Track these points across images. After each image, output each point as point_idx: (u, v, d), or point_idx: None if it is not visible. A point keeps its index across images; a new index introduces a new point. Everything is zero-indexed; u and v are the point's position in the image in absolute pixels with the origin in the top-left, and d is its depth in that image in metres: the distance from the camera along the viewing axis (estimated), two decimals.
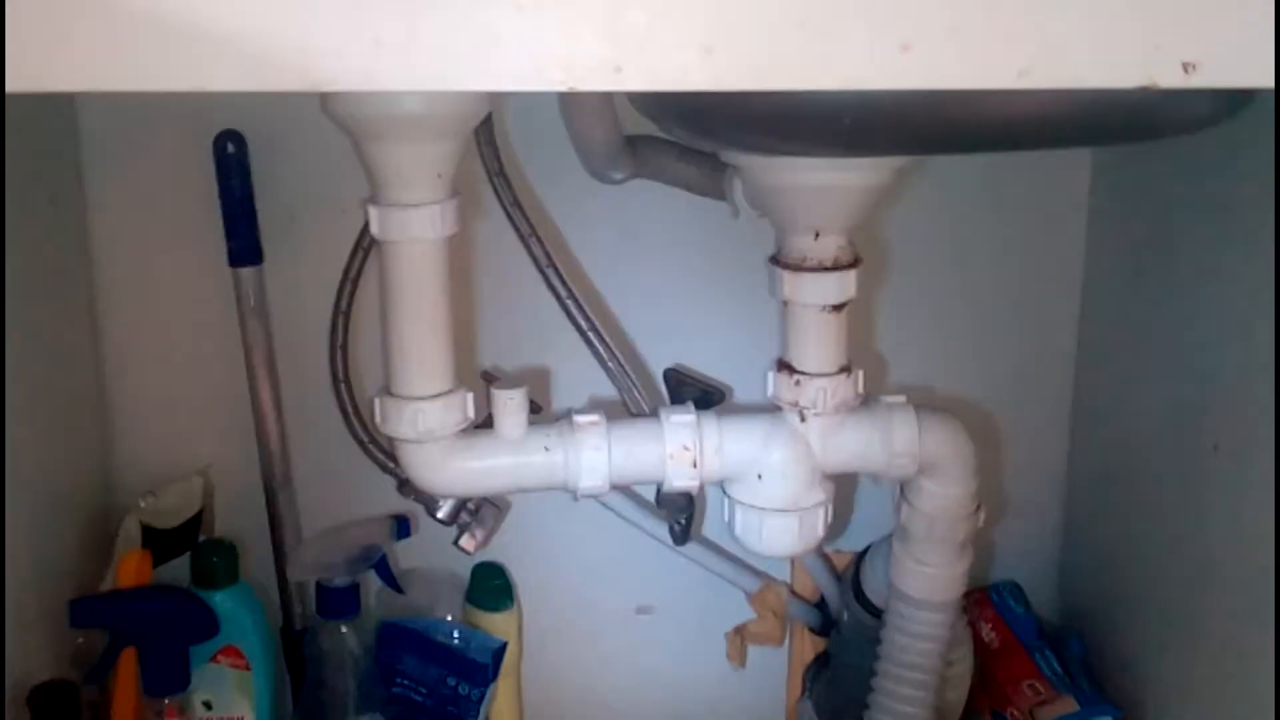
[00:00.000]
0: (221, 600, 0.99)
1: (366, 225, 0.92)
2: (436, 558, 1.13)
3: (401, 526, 1.07)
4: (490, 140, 0.92)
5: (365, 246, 0.96)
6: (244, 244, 1.05)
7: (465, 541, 1.01)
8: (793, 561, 1.21)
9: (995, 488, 1.13)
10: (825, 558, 1.17)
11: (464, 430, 0.85)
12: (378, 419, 0.85)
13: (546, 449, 0.86)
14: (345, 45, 0.51)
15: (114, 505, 1.09)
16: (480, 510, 1.02)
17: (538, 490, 0.87)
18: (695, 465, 0.86)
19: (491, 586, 1.13)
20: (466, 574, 1.14)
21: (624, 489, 1.08)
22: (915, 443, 0.89)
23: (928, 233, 1.11)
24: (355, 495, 1.08)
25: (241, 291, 1.06)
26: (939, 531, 0.93)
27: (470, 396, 0.85)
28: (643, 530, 1.09)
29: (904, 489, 0.95)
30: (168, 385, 1.09)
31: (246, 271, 1.06)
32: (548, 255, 0.93)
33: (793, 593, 1.20)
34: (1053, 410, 1.18)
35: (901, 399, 0.90)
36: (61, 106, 1.01)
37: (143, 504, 1.06)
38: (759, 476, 0.88)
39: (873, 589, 1.06)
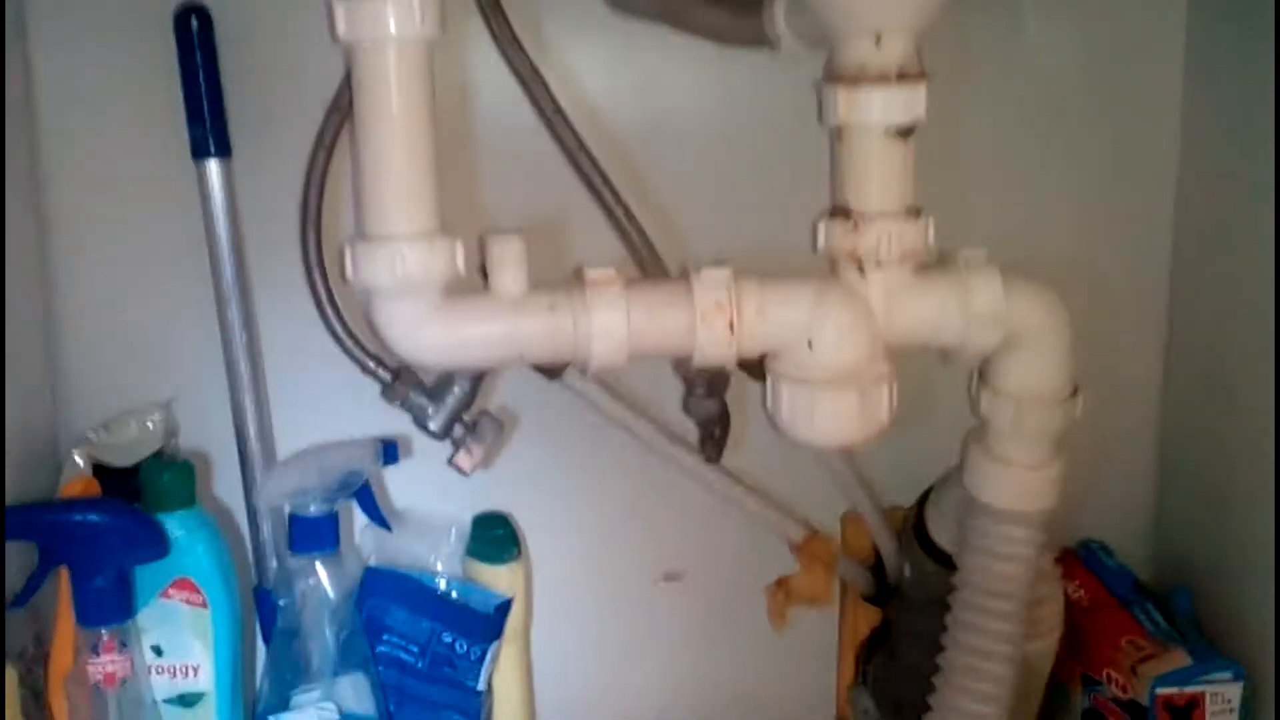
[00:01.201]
0: (174, 525, 0.84)
1: (346, 79, 0.80)
2: (435, 502, 0.98)
3: (389, 451, 0.92)
4: None
5: (343, 106, 0.82)
6: (209, 133, 0.92)
7: (461, 459, 0.86)
8: (844, 518, 1.05)
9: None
10: (880, 510, 1.02)
11: (452, 285, 0.71)
12: (348, 270, 0.70)
13: (551, 308, 0.71)
14: None
15: (62, 437, 0.94)
16: (478, 423, 0.87)
17: (541, 361, 0.72)
18: (731, 329, 0.71)
19: (494, 536, 0.98)
20: (468, 523, 0.99)
21: (649, 418, 0.93)
22: (1000, 303, 0.74)
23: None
24: (338, 415, 0.94)
25: (206, 187, 0.92)
26: (1029, 422, 0.78)
27: (460, 246, 0.71)
28: (669, 460, 0.93)
29: (983, 372, 0.79)
30: (123, 295, 0.96)
31: (213, 164, 0.92)
32: (553, 100, 0.79)
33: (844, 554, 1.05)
34: (1148, 294, 1.03)
35: (981, 253, 0.75)
36: None
37: (92, 436, 0.92)
38: (809, 345, 0.72)
39: (940, 526, 0.90)
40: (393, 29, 0.66)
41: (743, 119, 0.95)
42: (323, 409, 0.95)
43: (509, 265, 0.71)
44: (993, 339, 0.74)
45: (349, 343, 0.84)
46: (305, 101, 0.85)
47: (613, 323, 0.70)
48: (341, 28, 0.66)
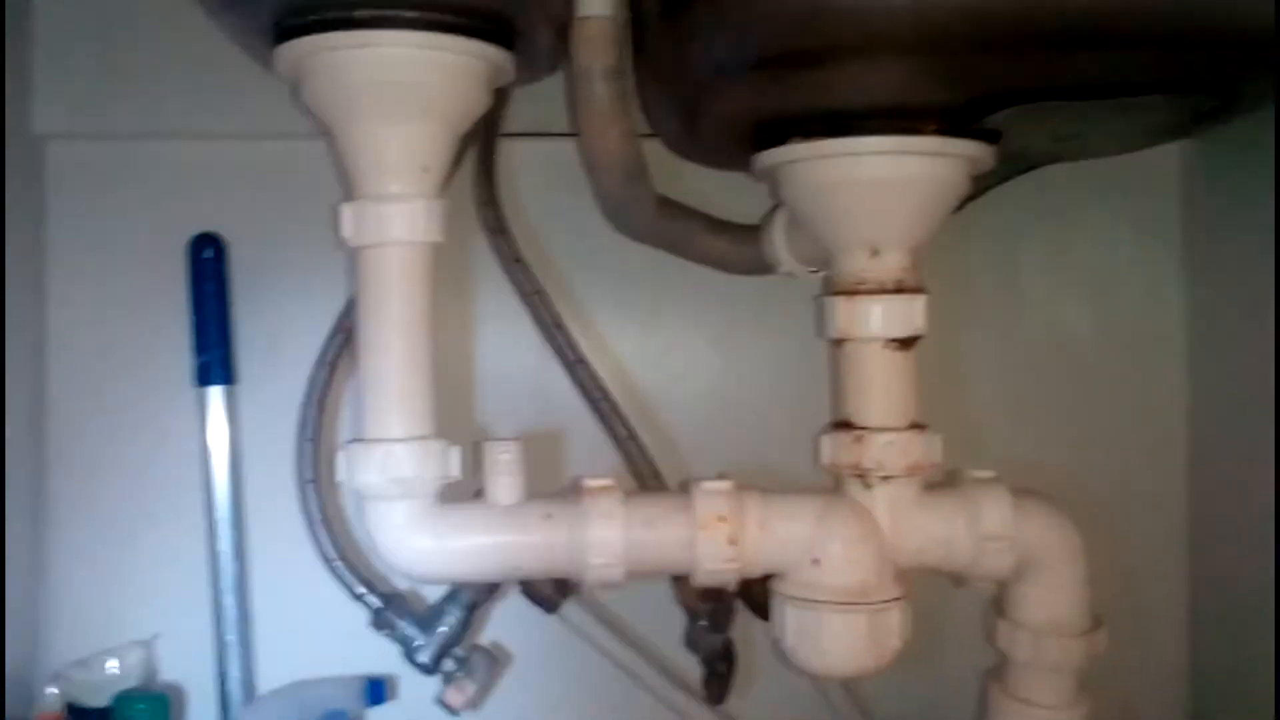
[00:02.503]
0: None
1: (348, 306, 0.81)
2: None
3: (375, 689, 0.87)
4: (489, 194, 0.81)
5: (346, 326, 0.83)
6: (216, 361, 0.92)
7: (451, 695, 0.82)
8: None
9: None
10: None
11: (446, 494, 0.69)
12: (340, 473, 0.68)
13: (548, 517, 0.68)
14: None
15: (39, 669, 0.90)
16: (470, 658, 0.83)
17: (535, 575, 0.69)
18: (733, 543, 0.69)
19: None
20: None
21: (650, 657, 0.89)
22: (1010, 525, 0.71)
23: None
24: (325, 649, 0.89)
25: (208, 416, 0.92)
26: (1049, 654, 0.73)
27: (456, 451, 0.69)
28: (672, 707, 0.88)
29: (999, 603, 0.75)
30: (115, 524, 0.93)
31: (215, 391, 0.92)
32: (554, 315, 0.79)
33: None
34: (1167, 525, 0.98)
35: (990, 474, 0.73)
36: (30, 190, 0.91)
37: (69, 673, 0.89)
38: (815, 562, 0.69)
39: None
40: (399, 233, 0.67)
41: (742, 343, 0.94)
42: (309, 643, 0.91)
43: (505, 473, 0.69)
44: (1004, 562, 0.71)
45: (339, 565, 0.81)
46: (310, 331, 0.86)
47: (610, 534, 0.68)
48: (349, 231, 0.67)
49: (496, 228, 0.81)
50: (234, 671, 0.90)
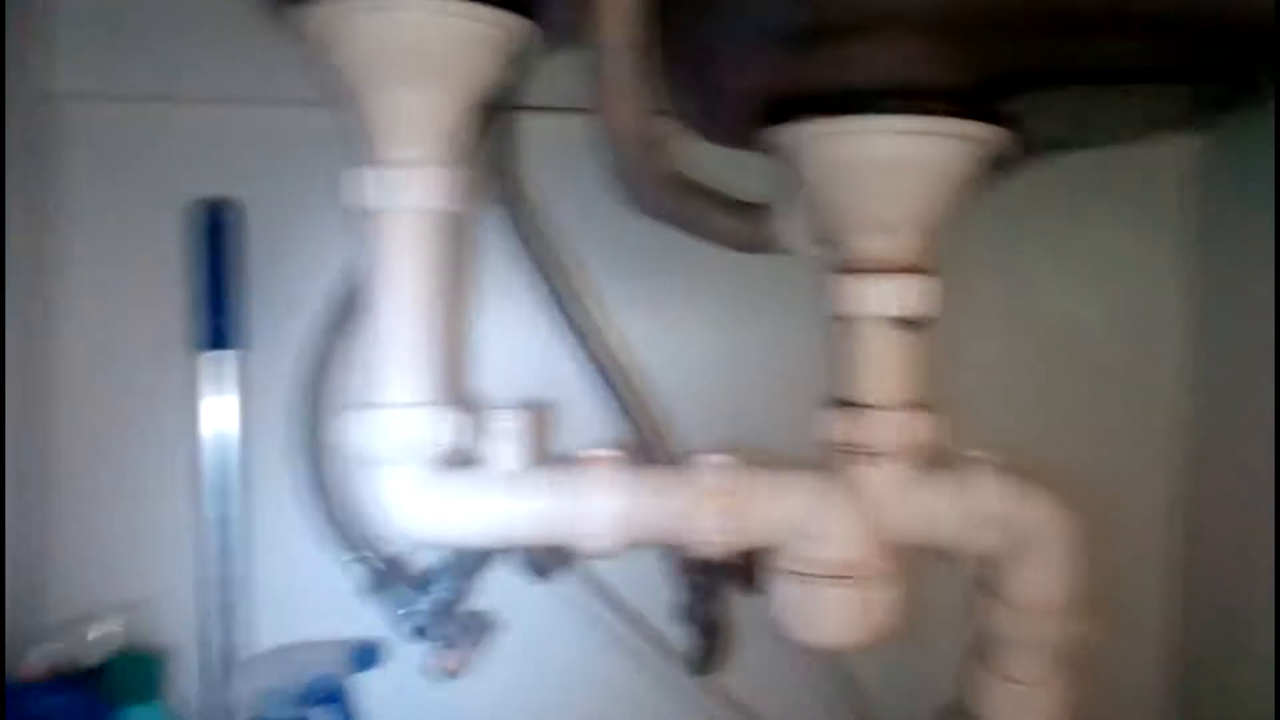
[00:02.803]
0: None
1: (354, 272, 0.81)
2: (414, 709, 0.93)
3: (366, 655, 0.87)
4: (505, 164, 0.81)
5: (351, 292, 0.83)
6: (223, 324, 0.92)
7: (442, 661, 0.82)
8: None
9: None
10: None
11: (447, 459, 0.69)
12: (342, 437, 0.69)
13: (550, 484, 0.69)
14: None
15: (25, 632, 0.90)
16: (461, 624, 0.84)
17: (534, 542, 0.70)
18: (730, 516, 0.70)
19: None
20: None
21: (642, 628, 0.90)
22: (1003, 504, 0.72)
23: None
24: (320, 616, 0.90)
25: (213, 378, 0.92)
26: (1032, 632, 0.75)
27: (460, 418, 0.70)
28: (662, 679, 0.89)
29: (985, 580, 0.77)
30: (111, 488, 0.93)
31: (222, 356, 0.92)
32: (567, 285, 0.79)
33: None
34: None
35: (983, 454, 0.74)
36: (46, 149, 0.91)
37: (58, 636, 0.88)
38: (808, 536, 0.70)
39: None
40: (415, 199, 0.67)
41: (744, 322, 0.95)
42: (301, 607, 0.91)
43: (509, 440, 0.70)
44: (993, 540, 0.73)
45: (338, 531, 0.82)
46: (317, 297, 0.86)
47: (611, 503, 0.69)
48: (363, 194, 0.67)
49: (511, 197, 0.81)
50: (226, 635, 0.90)
